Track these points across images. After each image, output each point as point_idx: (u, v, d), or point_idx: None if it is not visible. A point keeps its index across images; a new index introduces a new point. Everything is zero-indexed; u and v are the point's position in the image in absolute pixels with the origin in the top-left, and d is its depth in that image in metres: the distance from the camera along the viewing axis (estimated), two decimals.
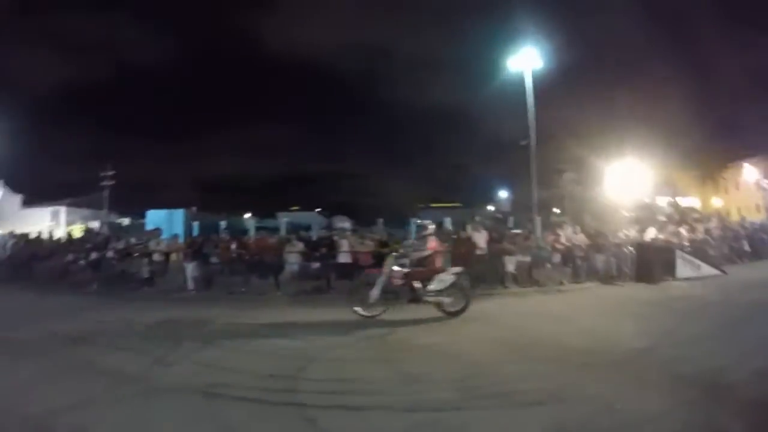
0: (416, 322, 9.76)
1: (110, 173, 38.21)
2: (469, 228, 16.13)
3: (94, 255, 17.84)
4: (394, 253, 11.03)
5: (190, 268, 15.70)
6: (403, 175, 47.08)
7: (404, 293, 10.36)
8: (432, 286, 10.20)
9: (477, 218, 19.13)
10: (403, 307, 10.34)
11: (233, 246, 15.70)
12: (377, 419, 4.74)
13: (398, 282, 10.28)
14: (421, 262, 10.59)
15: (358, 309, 10.31)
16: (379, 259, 13.76)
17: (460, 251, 13.96)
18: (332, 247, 14.91)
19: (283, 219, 40.22)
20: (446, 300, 10.19)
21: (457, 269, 10.56)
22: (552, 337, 8.05)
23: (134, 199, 42.73)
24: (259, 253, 15.39)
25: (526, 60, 22.34)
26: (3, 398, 5.75)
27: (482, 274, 14.12)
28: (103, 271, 17.31)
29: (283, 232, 26.26)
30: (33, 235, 23.16)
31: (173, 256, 16.35)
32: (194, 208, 43.32)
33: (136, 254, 17.18)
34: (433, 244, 10.90)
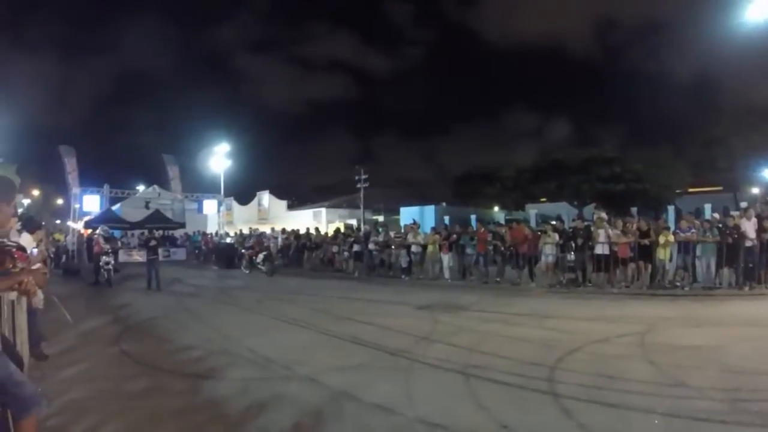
0: (676, 320, 8.92)
1: (364, 176, 41.27)
2: (735, 215, 13.99)
3: (356, 247, 19.95)
4: None
5: (447, 259, 16.46)
6: (654, 159, 42.90)
7: None
8: None
9: (743, 203, 16.36)
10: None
11: (489, 237, 15.83)
12: (635, 420, 4.42)
13: None
14: None
15: None
16: (642, 250, 12.86)
17: (726, 242, 12.23)
18: (589, 238, 14.20)
19: (532, 210, 39.66)
20: None
21: None
22: None
23: (388, 197, 45.54)
24: (514, 244, 15.31)
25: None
26: (288, 357, 6.99)
27: (752, 269, 12.15)
28: (365, 260, 19.14)
29: (533, 223, 25.93)
30: (302, 231, 26.66)
31: (430, 248, 17.12)
32: (444, 203, 44.89)
33: (395, 246, 18.38)
34: None
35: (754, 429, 4.20)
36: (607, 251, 13.45)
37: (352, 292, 14.53)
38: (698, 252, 12.47)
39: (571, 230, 15.17)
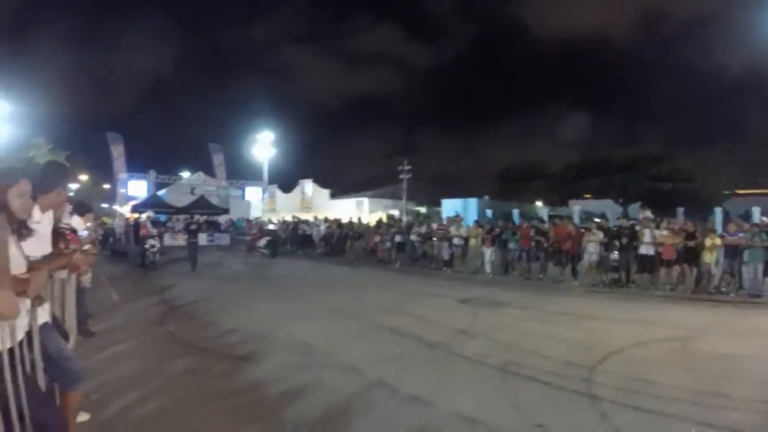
0: (719, 327, 8.83)
1: (407, 167, 41.41)
2: None
3: (398, 237, 20.18)
4: None
5: (489, 253, 16.53)
6: (703, 158, 41.51)
7: None
8: None
9: None
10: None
11: (532, 233, 15.81)
12: (670, 427, 4.47)
13: None
14: None
15: None
16: (687, 253, 12.67)
17: None
18: (633, 238, 14.02)
19: (576, 207, 39.15)
20: None
21: None
22: None
23: (430, 189, 45.56)
24: (557, 241, 15.27)
25: None
26: (327, 345, 7.30)
27: None
28: (407, 251, 19.36)
29: (576, 220, 25.67)
30: (345, 220, 27.01)
31: (472, 242, 17.24)
32: (487, 197, 44.64)
33: (438, 238, 18.50)
34: None
35: None
36: (651, 252, 13.26)
37: (393, 282, 14.81)
38: (745, 257, 12.09)
39: (615, 229, 14.98)
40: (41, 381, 2.90)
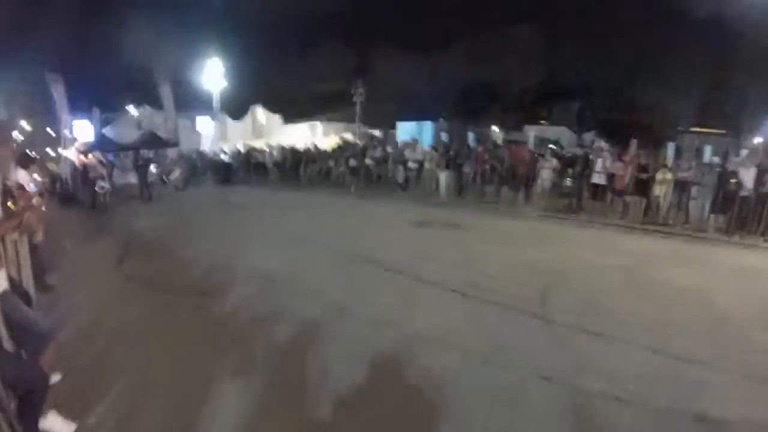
0: (666, 257, 9.10)
1: (360, 89, 40.65)
2: (733, 161, 13.73)
3: (353, 162, 19.73)
4: None
5: (444, 176, 16.42)
6: (660, 92, 41.55)
7: None
8: None
9: (744, 151, 16.01)
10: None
11: (486, 157, 15.76)
12: (619, 351, 4.63)
13: None
14: None
15: None
16: (638, 185, 12.85)
17: (723, 188, 12.07)
18: (587, 166, 14.17)
19: (531, 132, 39.28)
20: None
21: None
22: None
23: (385, 111, 44.83)
24: (512, 166, 15.32)
25: None
26: (290, 273, 7.30)
27: (745, 219, 11.91)
28: (362, 175, 19.13)
29: (530, 146, 25.80)
30: (299, 145, 26.38)
31: (427, 165, 17.14)
32: (442, 119, 44.31)
33: (393, 162, 18.35)
34: None
35: (734, 377, 4.28)
36: (603, 181, 13.54)
37: (350, 207, 14.71)
38: (693, 193, 12.47)
39: (570, 156, 15.08)
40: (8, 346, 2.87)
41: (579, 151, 14.62)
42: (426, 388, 3.80)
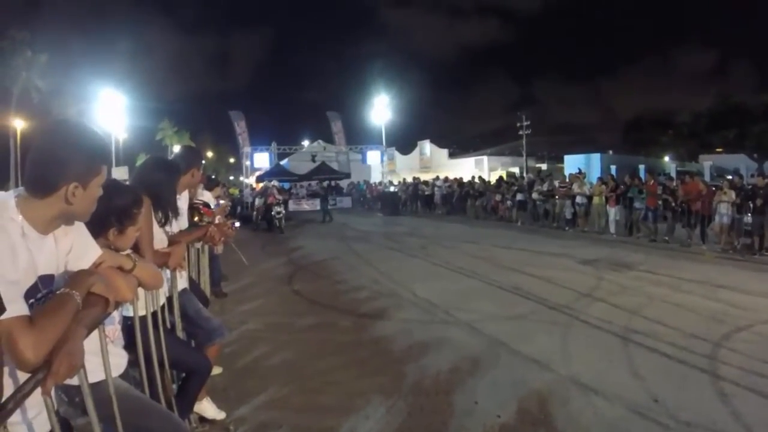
0: None
1: (526, 123, 40.69)
2: None
3: (520, 196, 20.09)
4: None
5: (613, 212, 16.19)
6: None
7: None
8: None
9: None
10: None
11: (659, 191, 15.21)
12: None
13: None
14: None
15: None
16: None
17: None
18: None
19: (707, 162, 36.69)
20: None
21: None
22: None
23: (550, 143, 44.41)
24: (687, 200, 14.39)
25: None
26: (449, 303, 7.59)
27: None
28: (528, 210, 19.42)
29: (707, 177, 24.31)
30: (465, 179, 27.35)
31: (596, 200, 16.84)
32: (610, 152, 43.02)
33: (560, 196, 18.47)
34: None
35: None
36: None
37: (515, 241, 14.89)
38: None
39: (750, 188, 13.97)
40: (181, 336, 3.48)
41: (760, 182, 13.31)
42: None
